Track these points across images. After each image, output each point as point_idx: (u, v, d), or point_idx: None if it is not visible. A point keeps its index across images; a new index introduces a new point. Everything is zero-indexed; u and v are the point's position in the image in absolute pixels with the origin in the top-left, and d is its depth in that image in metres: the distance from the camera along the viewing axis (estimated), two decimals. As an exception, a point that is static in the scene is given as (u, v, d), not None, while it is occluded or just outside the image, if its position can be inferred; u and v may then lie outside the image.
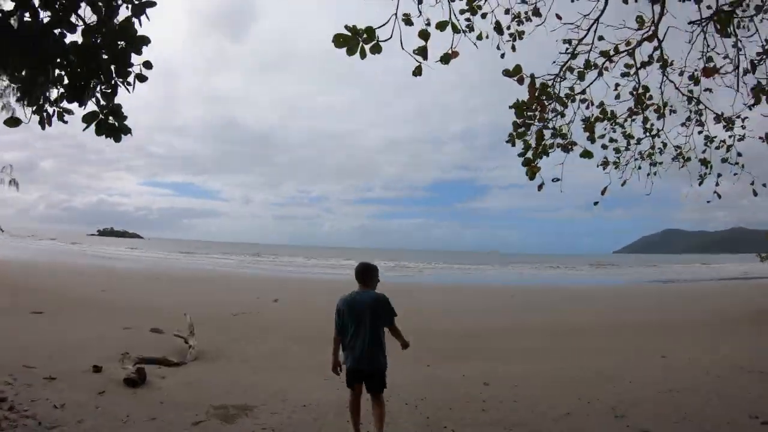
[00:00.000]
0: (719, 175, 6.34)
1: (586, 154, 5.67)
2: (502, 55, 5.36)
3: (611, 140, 6.13)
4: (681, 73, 5.77)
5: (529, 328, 13.16)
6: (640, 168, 6.38)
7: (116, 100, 3.35)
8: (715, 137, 6.25)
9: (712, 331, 12.61)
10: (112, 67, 3.25)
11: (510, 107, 5.16)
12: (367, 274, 5.06)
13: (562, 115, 5.68)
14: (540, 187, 5.45)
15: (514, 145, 5.41)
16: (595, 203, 5.99)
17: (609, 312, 17.33)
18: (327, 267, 49.61)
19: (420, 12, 3.94)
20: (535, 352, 10.04)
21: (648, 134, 6.26)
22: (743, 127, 6.11)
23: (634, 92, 5.65)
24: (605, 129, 6.00)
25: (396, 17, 3.52)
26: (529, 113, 5.25)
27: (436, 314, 15.51)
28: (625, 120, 6.11)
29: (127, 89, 3.32)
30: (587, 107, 5.76)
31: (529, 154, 5.43)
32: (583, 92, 5.62)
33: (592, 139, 5.81)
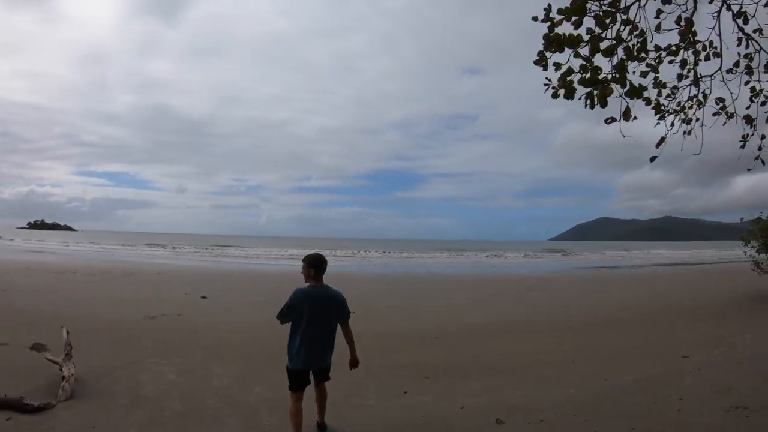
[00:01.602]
0: (763, 137, 5.22)
1: (634, 93, 4.31)
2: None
3: (640, 87, 4.53)
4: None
5: (512, 325, 12.27)
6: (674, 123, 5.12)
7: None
8: (762, 90, 5.12)
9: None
10: None
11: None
12: (323, 265, 4.92)
13: (600, 39, 4.29)
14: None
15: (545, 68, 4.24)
16: (653, 159, 4.80)
17: (590, 300, 17.05)
18: (264, 258, 48.01)
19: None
20: (537, 357, 8.88)
21: (685, 79, 5.07)
22: None
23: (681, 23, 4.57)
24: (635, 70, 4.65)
25: None
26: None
27: (397, 312, 14.29)
28: (659, 61, 4.88)
29: None
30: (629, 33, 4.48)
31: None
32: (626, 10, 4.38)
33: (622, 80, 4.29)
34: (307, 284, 4.84)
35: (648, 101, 4.76)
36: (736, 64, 5.10)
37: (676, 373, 7.34)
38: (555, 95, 4.29)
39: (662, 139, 4.86)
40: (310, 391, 5.06)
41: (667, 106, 5.17)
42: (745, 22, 4.83)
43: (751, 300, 14.61)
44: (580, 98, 4.24)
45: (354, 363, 5.10)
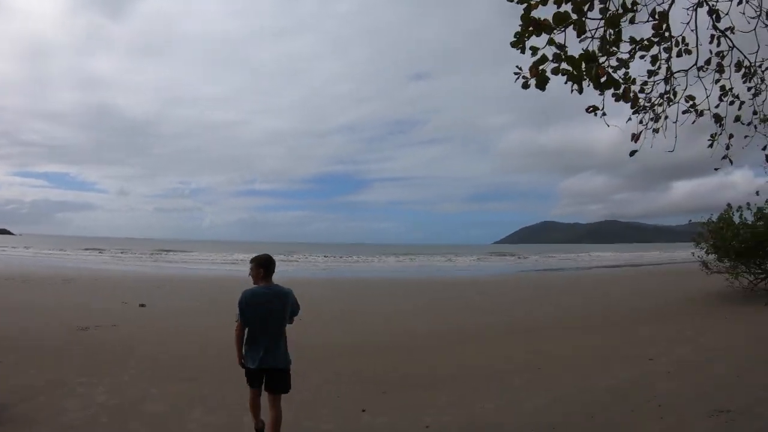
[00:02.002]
0: (731, 136, 5.19)
1: (612, 84, 4.11)
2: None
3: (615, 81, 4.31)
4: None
5: (467, 330, 11.79)
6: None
7: None
8: (731, 89, 5.08)
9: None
10: None
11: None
12: (272, 266, 4.89)
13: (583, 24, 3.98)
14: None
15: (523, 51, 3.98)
16: (632, 153, 4.71)
17: (544, 304, 16.79)
18: (208, 263, 46.63)
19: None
20: (499, 365, 8.50)
21: (655, 75, 4.87)
22: (762, 80, 5.08)
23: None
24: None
25: None
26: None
27: (347, 319, 13.65)
28: (632, 55, 4.60)
29: None
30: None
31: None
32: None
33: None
34: (255, 285, 4.85)
35: (619, 97, 4.46)
36: (708, 62, 4.97)
37: (647, 377, 7.09)
38: (525, 85, 4.06)
39: (639, 134, 4.76)
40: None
41: (640, 103, 4.94)
42: (718, 19, 4.71)
43: (704, 299, 14.88)
44: (566, 83, 3.98)
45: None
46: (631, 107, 4.81)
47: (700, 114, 5.26)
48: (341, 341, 10.28)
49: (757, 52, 4.91)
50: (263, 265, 4.80)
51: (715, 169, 5.49)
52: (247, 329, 4.79)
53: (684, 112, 5.30)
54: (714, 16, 4.69)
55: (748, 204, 14.02)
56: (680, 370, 7.39)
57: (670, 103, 5.05)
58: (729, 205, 14.22)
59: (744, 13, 4.75)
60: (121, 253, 59.54)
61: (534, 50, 4.09)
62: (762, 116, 5.30)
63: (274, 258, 4.98)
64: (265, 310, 4.70)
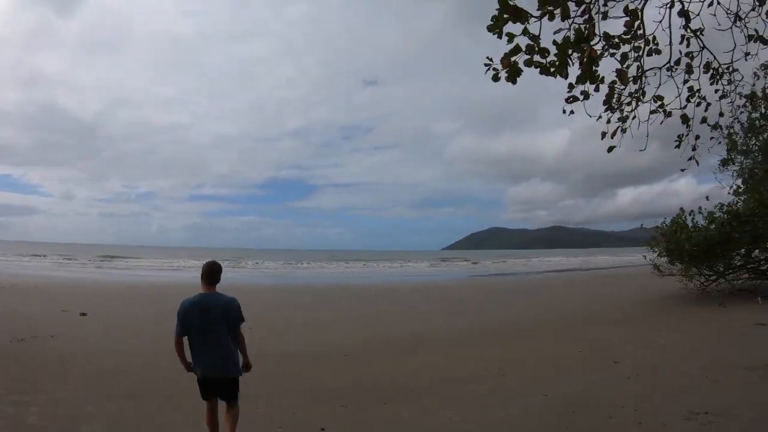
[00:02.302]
0: (697, 137, 5.30)
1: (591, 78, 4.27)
2: None
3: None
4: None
5: (424, 337, 11.43)
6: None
7: None
8: (699, 90, 5.11)
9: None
10: None
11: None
12: (214, 274, 4.77)
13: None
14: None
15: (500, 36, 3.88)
16: (610, 149, 4.88)
17: (502, 308, 16.80)
18: (155, 269, 44.37)
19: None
20: (461, 372, 8.14)
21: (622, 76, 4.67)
22: (730, 81, 5.20)
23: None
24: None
25: None
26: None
27: (300, 327, 12.93)
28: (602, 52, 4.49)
29: None
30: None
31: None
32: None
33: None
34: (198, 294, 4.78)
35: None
36: (678, 62, 4.90)
37: (616, 381, 6.94)
38: (496, 78, 4.00)
39: (615, 131, 4.82)
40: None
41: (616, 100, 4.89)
42: (688, 20, 4.66)
43: (659, 301, 15.19)
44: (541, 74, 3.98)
45: (246, 367, 4.94)
46: (604, 104, 4.74)
47: (669, 114, 5.21)
48: (295, 351, 9.73)
49: (733, 50, 4.91)
50: (203, 274, 4.77)
51: (682, 170, 5.55)
52: (190, 339, 4.69)
53: (652, 112, 5.27)
54: (684, 18, 4.62)
55: (700, 208, 14.41)
56: (646, 372, 7.30)
57: (639, 103, 4.98)
58: (682, 209, 14.62)
59: (715, 15, 4.71)
60: (65, 259, 56.50)
61: (510, 37, 3.94)
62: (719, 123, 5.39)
63: (220, 264, 4.95)
64: (205, 320, 4.60)
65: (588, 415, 5.59)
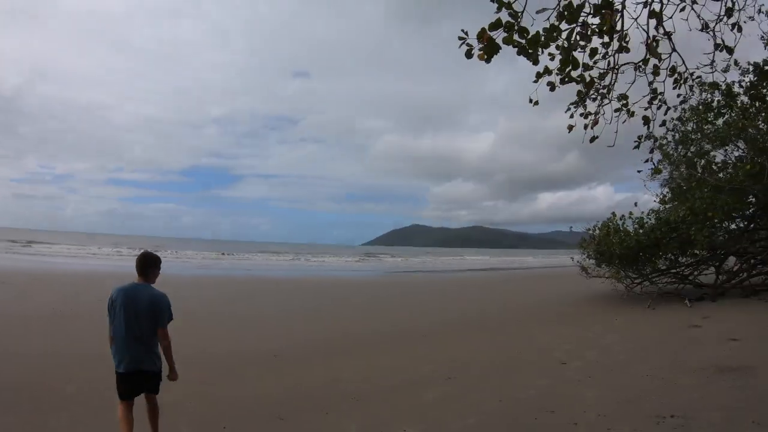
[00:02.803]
0: (656, 140, 5.78)
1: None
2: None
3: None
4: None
5: (360, 336, 10.86)
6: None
7: None
8: (662, 93, 5.09)
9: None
10: None
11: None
12: (147, 265, 4.72)
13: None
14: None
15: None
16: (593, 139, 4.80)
17: (434, 306, 16.07)
18: (65, 256, 41.02)
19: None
20: (405, 375, 7.65)
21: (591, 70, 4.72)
22: (691, 87, 5.20)
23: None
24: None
25: None
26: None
27: (228, 324, 12.05)
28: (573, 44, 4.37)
29: None
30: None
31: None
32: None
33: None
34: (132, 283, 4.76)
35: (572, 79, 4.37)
36: (645, 62, 4.76)
37: (570, 384, 6.76)
38: (469, 54, 3.85)
39: (596, 120, 4.75)
40: None
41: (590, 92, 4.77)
42: (659, 21, 4.55)
43: (589, 301, 15.57)
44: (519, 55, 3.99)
45: (172, 376, 4.77)
46: (579, 96, 4.66)
47: (632, 114, 5.23)
48: (220, 353, 8.85)
49: (713, 52, 4.82)
50: (136, 264, 4.74)
51: (638, 171, 5.65)
52: (114, 329, 4.57)
53: (616, 110, 5.24)
54: (656, 19, 4.52)
55: (631, 213, 14.78)
56: (598, 374, 7.19)
57: (604, 100, 4.92)
58: (614, 213, 14.92)
59: (687, 20, 4.67)
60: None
61: (500, 4, 3.77)
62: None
63: (155, 256, 4.92)
64: (130, 311, 4.51)
65: (552, 423, 5.34)
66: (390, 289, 23.66)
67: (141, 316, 4.51)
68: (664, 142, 16.15)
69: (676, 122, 15.37)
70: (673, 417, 5.10)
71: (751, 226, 14.02)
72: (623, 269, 14.93)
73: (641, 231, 13.94)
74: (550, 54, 4.42)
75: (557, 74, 4.61)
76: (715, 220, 12.70)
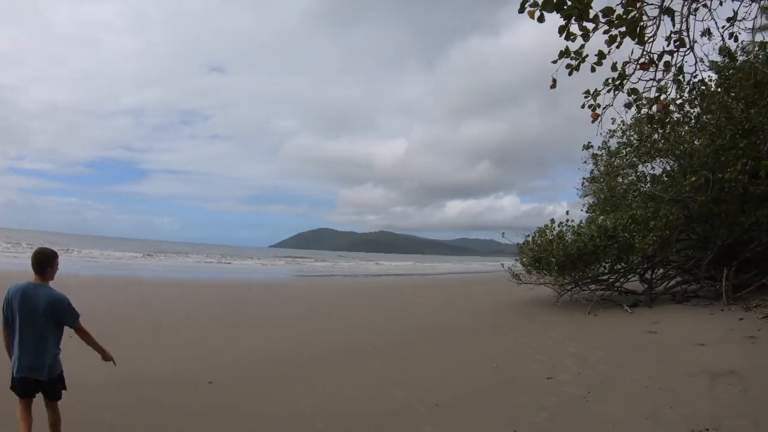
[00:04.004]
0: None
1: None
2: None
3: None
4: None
5: (298, 354, 9.21)
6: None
7: None
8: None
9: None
10: None
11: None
12: (44, 262, 4.42)
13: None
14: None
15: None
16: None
17: (367, 315, 15.04)
18: None
19: None
20: (351, 407, 6.59)
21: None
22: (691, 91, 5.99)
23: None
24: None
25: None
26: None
27: (143, 338, 9.77)
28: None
29: None
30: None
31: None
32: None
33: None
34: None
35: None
36: (660, 57, 4.67)
37: (576, 402, 6.09)
38: (522, 8, 3.93)
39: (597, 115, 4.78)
40: None
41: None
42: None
43: (528, 307, 15.34)
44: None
45: (105, 358, 4.69)
46: (639, 43, 4.44)
47: (639, 110, 5.50)
48: (136, 377, 6.90)
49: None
50: (32, 261, 4.44)
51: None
52: (11, 330, 4.37)
53: (625, 105, 5.32)
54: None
55: (568, 220, 14.96)
56: (595, 388, 6.59)
57: (617, 90, 4.89)
58: (552, 220, 15.00)
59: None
60: None
61: None
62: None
63: (51, 251, 4.58)
64: (26, 311, 4.28)
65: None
66: (325, 294, 22.18)
67: (40, 318, 4.29)
68: (599, 153, 16.61)
69: (611, 132, 15.86)
70: (708, 430, 4.74)
71: (679, 236, 14.53)
72: (561, 276, 15.03)
73: (580, 238, 14.08)
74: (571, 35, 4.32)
75: (574, 59, 4.58)
76: (656, 230, 13.02)
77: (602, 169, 16.78)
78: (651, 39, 4.32)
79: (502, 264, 17.96)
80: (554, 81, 4.65)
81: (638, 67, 4.47)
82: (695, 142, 12.47)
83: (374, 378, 7.50)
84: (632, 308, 13.20)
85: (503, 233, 17.12)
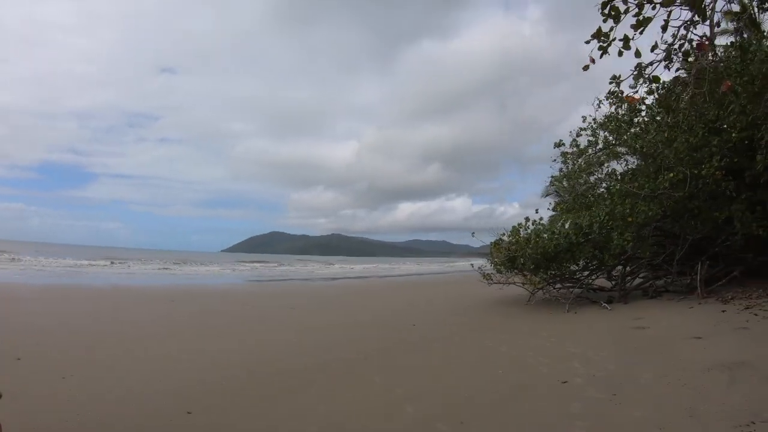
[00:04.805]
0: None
1: None
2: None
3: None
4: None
5: (289, 369, 8.25)
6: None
7: None
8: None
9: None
10: None
11: None
12: None
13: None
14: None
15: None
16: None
17: (345, 320, 14.15)
18: None
19: None
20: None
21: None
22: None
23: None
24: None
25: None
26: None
27: (105, 355, 8.73)
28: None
29: None
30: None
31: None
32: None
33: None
34: None
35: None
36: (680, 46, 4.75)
37: (607, 405, 5.61)
38: None
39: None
40: None
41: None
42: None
43: (503, 306, 15.13)
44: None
45: None
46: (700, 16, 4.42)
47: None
48: (100, 409, 5.80)
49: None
50: None
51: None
52: None
53: (648, 93, 6.42)
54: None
55: (541, 219, 14.95)
56: (617, 389, 6.10)
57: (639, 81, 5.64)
58: (527, 218, 14.87)
59: None
60: None
61: None
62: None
63: None
64: None
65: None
66: (292, 301, 20.24)
67: None
68: (569, 150, 16.63)
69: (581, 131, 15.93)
70: (754, 423, 4.50)
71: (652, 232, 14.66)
72: (535, 274, 14.80)
73: (557, 236, 13.91)
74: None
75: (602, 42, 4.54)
76: (633, 225, 13.03)
77: (571, 167, 16.83)
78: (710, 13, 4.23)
79: (472, 264, 17.91)
80: (592, 60, 4.48)
81: (696, 47, 4.36)
82: (674, 139, 12.54)
83: (377, 393, 6.61)
84: (609, 305, 13.10)
85: (473, 233, 16.92)
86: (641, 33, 4.42)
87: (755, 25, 16.01)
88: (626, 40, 4.39)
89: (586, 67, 4.55)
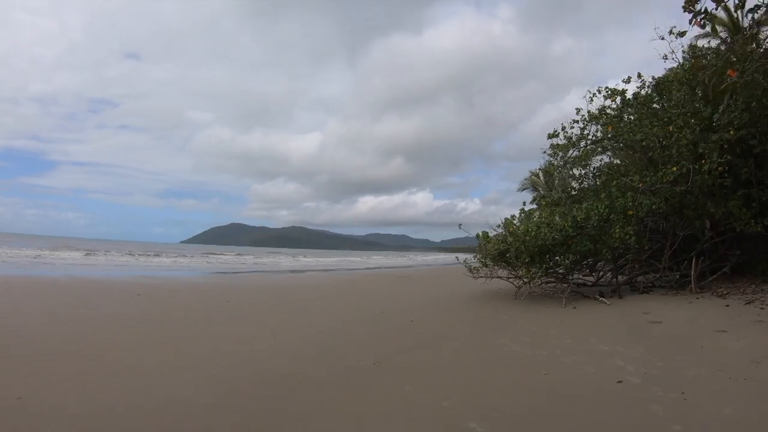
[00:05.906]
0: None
1: None
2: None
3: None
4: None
5: (304, 373, 7.45)
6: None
7: None
8: None
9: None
10: None
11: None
12: None
13: None
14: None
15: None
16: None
17: (328, 318, 13.37)
18: None
19: None
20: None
21: None
22: None
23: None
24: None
25: None
26: None
27: (62, 362, 7.45)
28: None
29: None
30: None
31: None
32: None
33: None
34: None
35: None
36: None
37: (684, 406, 5.11)
38: None
39: None
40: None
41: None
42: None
43: (497, 301, 14.72)
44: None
45: None
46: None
47: None
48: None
49: None
50: None
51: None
52: None
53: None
54: None
55: (523, 211, 14.66)
56: (680, 387, 5.64)
57: None
58: (523, 209, 14.65)
59: None
60: None
61: None
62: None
63: None
64: None
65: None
66: (273, 295, 18.99)
67: None
68: (561, 142, 16.39)
69: (573, 125, 15.70)
70: None
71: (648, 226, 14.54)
72: (529, 269, 14.31)
73: (554, 229, 13.55)
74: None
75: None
76: (635, 219, 12.88)
77: (560, 160, 16.58)
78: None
79: (457, 257, 17.53)
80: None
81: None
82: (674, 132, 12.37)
83: (422, 407, 5.47)
84: (606, 299, 12.85)
85: (460, 225, 16.54)
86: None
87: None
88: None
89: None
